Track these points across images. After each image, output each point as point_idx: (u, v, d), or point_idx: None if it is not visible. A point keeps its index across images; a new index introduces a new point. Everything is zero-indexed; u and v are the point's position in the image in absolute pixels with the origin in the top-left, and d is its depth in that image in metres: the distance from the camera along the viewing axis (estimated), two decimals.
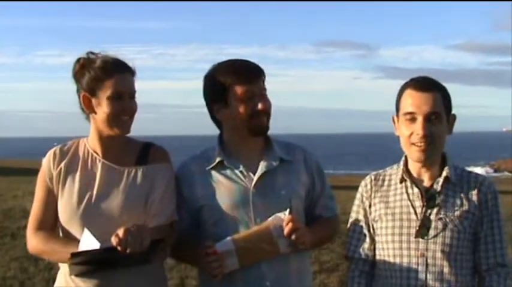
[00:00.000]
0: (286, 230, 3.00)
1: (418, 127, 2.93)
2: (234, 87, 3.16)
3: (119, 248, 2.83)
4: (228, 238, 3.06)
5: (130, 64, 3.14)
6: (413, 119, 2.95)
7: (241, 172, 3.20)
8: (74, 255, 2.91)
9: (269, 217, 3.09)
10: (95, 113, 3.11)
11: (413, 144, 2.96)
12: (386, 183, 3.13)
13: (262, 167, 3.20)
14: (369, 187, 3.17)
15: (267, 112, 3.21)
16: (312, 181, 3.30)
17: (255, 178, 3.18)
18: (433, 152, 2.98)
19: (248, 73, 3.19)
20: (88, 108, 3.11)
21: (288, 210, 3.08)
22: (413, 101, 2.96)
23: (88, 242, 2.93)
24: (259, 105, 3.16)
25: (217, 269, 3.02)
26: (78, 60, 3.13)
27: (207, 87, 3.27)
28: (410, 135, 2.96)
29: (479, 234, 2.98)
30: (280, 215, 3.06)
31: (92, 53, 3.14)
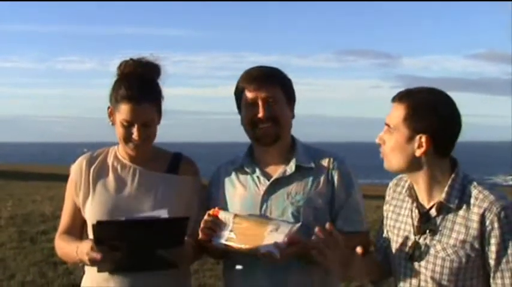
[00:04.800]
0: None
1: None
2: (242, 93, 3.18)
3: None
4: (233, 212, 3.06)
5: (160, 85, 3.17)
6: None
7: (257, 177, 3.19)
8: (99, 223, 2.88)
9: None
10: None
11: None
12: (404, 191, 2.97)
13: (276, 173, 3.16)
14: (391, 190, 3.07)
15: (271, 120, 3.13)
16: (333, 192, 3.15)
17: (267, 184, 3.15)
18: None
19: (253, 79, 3.15)
20: (111, 121, 3.18)
21: (299, 224, 2.98)
22: None
23: None
24: (259, 113, 3.12)
25: (208, 231, 2.99)
26: (120, 66, 3.16)
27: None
28: None
29: (489, 260, 2.69)
30: (289, 225, 2.96)
31: (133, 61, 3.15)
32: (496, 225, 2.64)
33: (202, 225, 3.00)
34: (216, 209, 3.04)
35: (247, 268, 3.10)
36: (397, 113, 2.75)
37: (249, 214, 3.07)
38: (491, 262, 2.67)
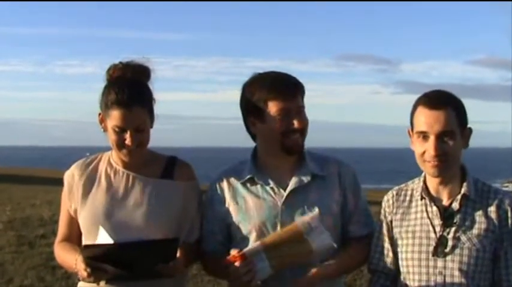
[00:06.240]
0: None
1: (430, 146, 2.90)
2: (270, 102, 3.08)
3: None
4: (257, 242, 2.97)
5: (151, 88, 3.14)
6: (425, 138, 2.92)
7: (271, 188, 3.12)
8: (86, 247, 2.89)
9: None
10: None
11: (426, 161, 2.94)
12: (408, 198, 3.10)
13: (292, 183, 3.11)
14: (391, 202, 3.14)
15: (302, 130, 3.11)
16: (344, 197, 3.18)
17: (285, 194, 3.10)
18: (447, 168, 2.94)
19: (285, 89, 3.08)
20: (102, 128, 3.11)
21: (316, 209, 3.01)
22: (425, 119, 2.92)
23: (103, 240, 2.95)
24: (295, 123, 3.08)
25: (248, 275, 2.89)
26: (109, 70, 3.11)
27: (244, 98, 3.20)
28: (423, 153, 2.94)
29: (499, 251, 2.92)
30: (309, 214, 2.99)
31: (122, 64, 3.11)
32: (509, 214, 2.93)
33: (238, 275, 2.90)
34: (236, 252, 2.91)
35: (277, 276, 3.00)
36: (448, 116, 2.91)
37: (270, 234, 3.03)
38: (505, 244, 2.92)
